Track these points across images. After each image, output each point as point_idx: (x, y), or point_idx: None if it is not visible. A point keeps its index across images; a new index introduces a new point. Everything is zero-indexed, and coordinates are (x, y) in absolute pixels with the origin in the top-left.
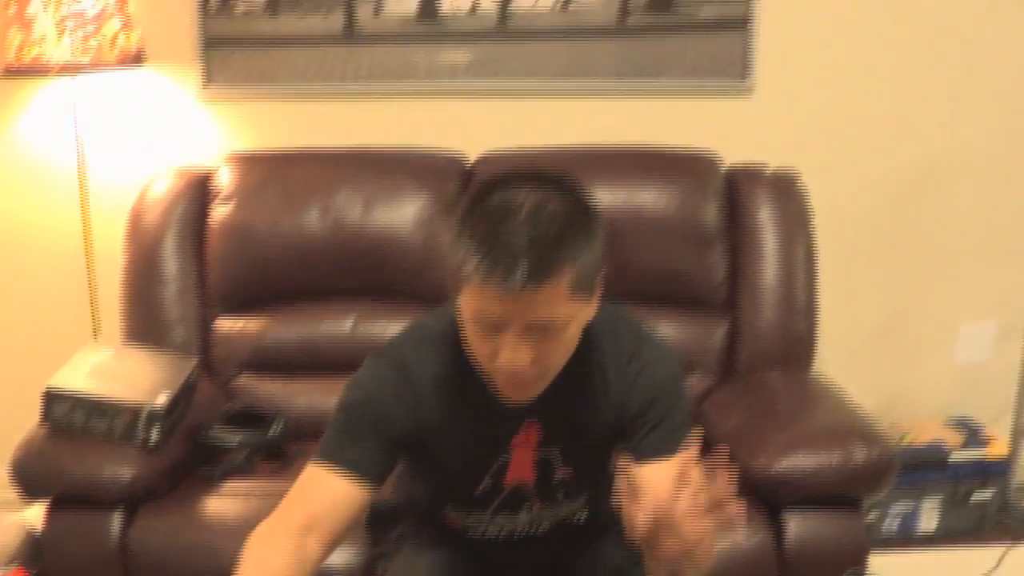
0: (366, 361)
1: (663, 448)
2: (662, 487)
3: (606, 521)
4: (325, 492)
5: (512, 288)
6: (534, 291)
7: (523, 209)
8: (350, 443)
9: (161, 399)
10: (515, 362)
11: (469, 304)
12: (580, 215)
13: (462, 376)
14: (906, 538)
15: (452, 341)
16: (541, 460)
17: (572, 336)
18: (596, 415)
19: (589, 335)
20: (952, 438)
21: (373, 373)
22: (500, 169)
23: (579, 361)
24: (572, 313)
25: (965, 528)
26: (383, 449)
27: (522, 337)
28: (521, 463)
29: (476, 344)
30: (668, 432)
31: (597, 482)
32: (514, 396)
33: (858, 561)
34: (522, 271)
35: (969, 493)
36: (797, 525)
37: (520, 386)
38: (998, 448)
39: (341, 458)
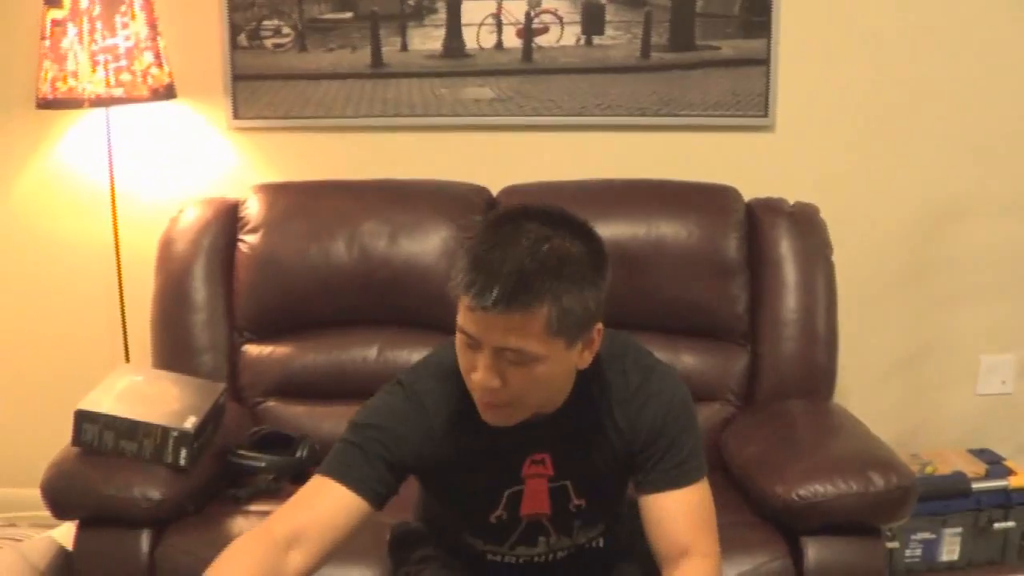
0: (381, 390)
1: (672, 479)
2: (674, 518)
3: (624, 545)
4: (325, 505)
5: (482, 307)
6: (504, 316)
7: (525, 240)
8: (360, 463)
9: (190, 422)
10: (484, 382)
11: (458, 315)
12: (580, 261)
13: (474, 410)
14: (929, 567)
15: (457, 376)
16: (555, 492)
17: (548, 376)
18: (606, 448)
19: (595, 369)
20: (974, 468)
21: (389, 404)
22: (524, 201)
23: (586, 395)
24: (546, 352)
25: (987, 557)
26: (391, 474)
27: (493, 360)
28: (535, 495)
29: (459, 356)
30: (676, 463)
31: (613, 509)
32: (489, 419)
33: None
34: (496, 293)
35: (991, 523)
36: (816, 551)
37: (493, 409)
38: (1021, 479)
39: (348, 475)
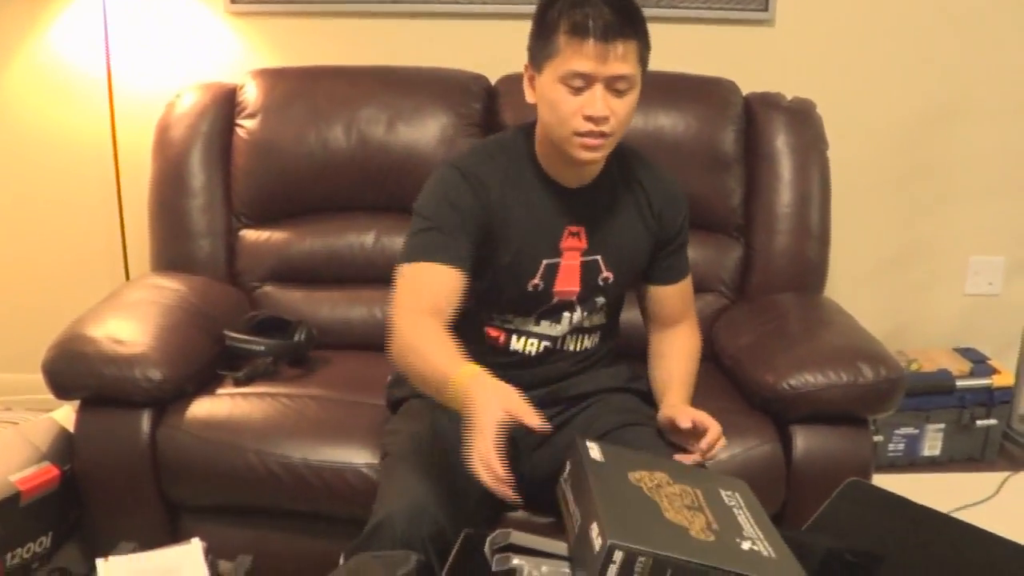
0: (434, 175)
1: (677, 274)
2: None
3: (606, 352)
4: (440, 284)
5: (602, 38)
6: (615, 45)
7: None
8: (442, 241)
9: None
10: (600, 111)
11: (560, 68)
12: (638, 9)
13: (527, 178)
14: (910, 461)
15: (520, 148)
16: (586, 266)
17: (632, 104)
18: (636, 224)
19: (626, 155)
20: (959, 367)
21: (450, 184)
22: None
23: (618, 173)
24: (636, 79)
25: (968, 454)
26: (469, 241)
27: (604, 92)
28: (570, 271)
29: (563, 106)
30: (682, 259)
31: (618, 305)
32: (586, 155)
33: (862, 473)
34: (613, 25)
35: (973, 420)
36: (805, 439)
37: (594, 142)
38: (1004, 378)
39: (437, 255)
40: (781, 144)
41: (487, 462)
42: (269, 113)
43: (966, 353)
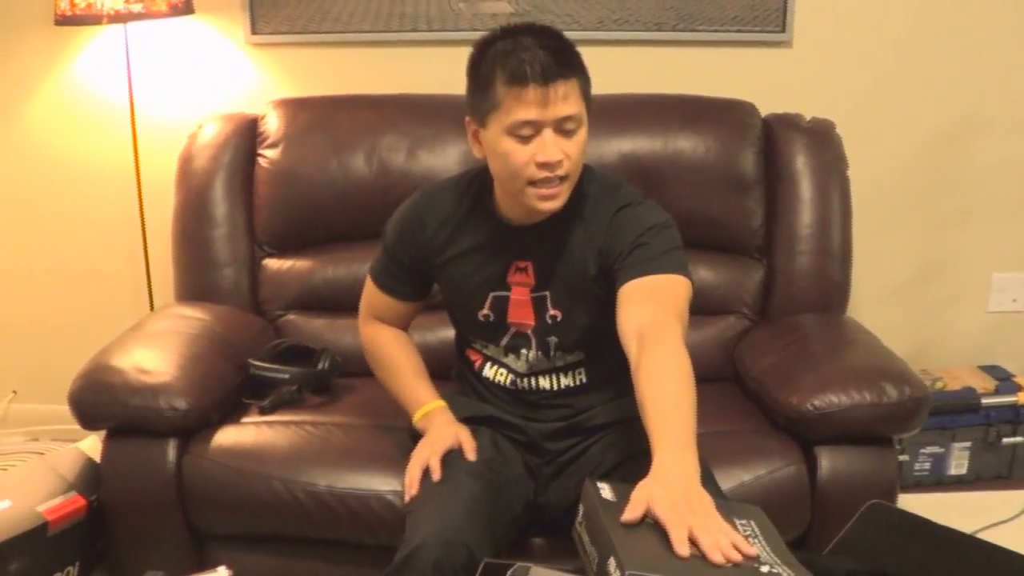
0: (397, 209)
1: (640, 269)
2: (637, 298)
3: (607, 385)
4: (390, 309)
5: (542, 82)
6: (555, 86)
7: (528, 40)
8: (388, 272)
9: None
10: (553, 156)
11: (505, 120)
12: (571, 45)
13: (477, 215)
14: (937, 480)
15: (481, 184)
16: (536, 302)
17: (583, 142)
18: (581, 260)
19: (581, 191)
20: (984, 384)
21: (402, 213)
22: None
23: (573, 210)
24: (582, 117)
25: (995, 472)
26: (409, 278)
27: (554, 135)
28: (520, 304)
29: (515, 157)
30: (646, 257)
31: (589, 335)
32: (545, 205)
33: (888, 494)
34: (551, 68)
35: (1000, 438)
36: (830, 460)
37: (551, 191)
38: None
39: (383, 284)
40: (801, 165)
41: (410, 484)
42: (290, 142)
43: (991, 371)
